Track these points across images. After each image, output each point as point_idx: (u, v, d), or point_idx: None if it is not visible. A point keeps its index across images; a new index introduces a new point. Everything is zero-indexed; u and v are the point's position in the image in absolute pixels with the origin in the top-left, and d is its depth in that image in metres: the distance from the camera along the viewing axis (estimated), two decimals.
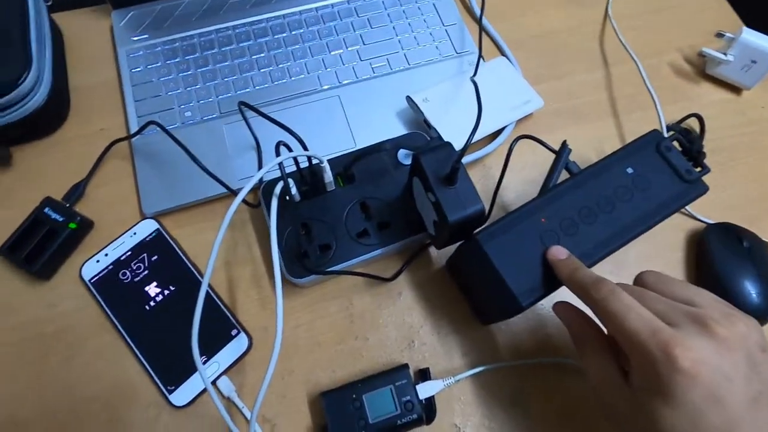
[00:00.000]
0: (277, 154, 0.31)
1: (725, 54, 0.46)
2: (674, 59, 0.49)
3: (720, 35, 0.47)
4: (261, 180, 0.40)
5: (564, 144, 0.35)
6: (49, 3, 0.45)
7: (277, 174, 0.33)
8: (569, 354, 0.36)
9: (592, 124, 0.45)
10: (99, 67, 0.46)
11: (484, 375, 0.36)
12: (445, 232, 0.31)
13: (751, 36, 0.45)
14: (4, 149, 0.40)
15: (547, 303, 0.37)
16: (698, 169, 0.35)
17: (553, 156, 0.36)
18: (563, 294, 0.30)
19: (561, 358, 0.36)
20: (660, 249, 0.40)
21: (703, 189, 0.34)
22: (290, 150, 0.32)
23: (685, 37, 0.50)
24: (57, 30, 0.46)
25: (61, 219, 0.37)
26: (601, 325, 0.28)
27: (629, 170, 0.34)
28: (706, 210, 0.41)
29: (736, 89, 0.48)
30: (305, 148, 0.32)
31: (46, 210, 0.38)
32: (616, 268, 0.39)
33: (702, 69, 0.48)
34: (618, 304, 0.25)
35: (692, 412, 0.22)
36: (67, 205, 0.39)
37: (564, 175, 0.35)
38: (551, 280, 0.30)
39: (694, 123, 0.44)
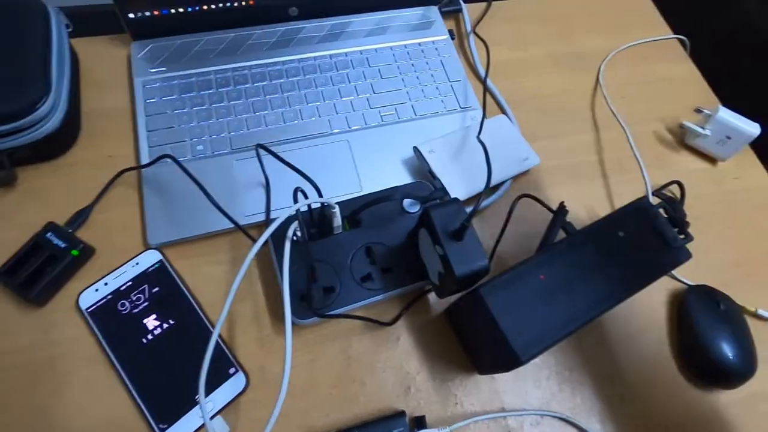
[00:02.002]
0: (295, 200, 0.32)
1: (703, 128, 0.50)
2: (658, 128, 0.53)
3: (699, 111, 0.51)
4: (269, 219, 0.41)
5: (562, 205, 0.37)
6: (70, 29, 0.46)
7: (287, 214, 0.34)
8: (567, 408, 0.37)
9: (583, 184, 0.48)
10: (113, 94, 0.47)
11: (479, 425, 0.36)
12: (451, 284, 0.32)
13: (726, 114, 0.49)
14: (10, 170, 0.40)
15: (544, 356, 0.38)
16: (682, 236, 0.37)
17: (549, 214, 0.39)
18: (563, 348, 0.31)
19: (557, 412, 0.37)
20: (643, 308, 0.43)
21: (687, 255, 0.36)
22: (306, 197, 0.33)
23: (668, 109, 0.54)
24: (74, 55, 0.47)
25: (63, 245, 0.37)
26: None
27: (621, 234, 0.36)
28: (685, 272, 0.44)
29: (712, 160, 0.52)
30: (320, 194, 0.34)
31: (48, 235, 0.37)
32: (599, 324, 0.41)
33: (682, 139, 0.53)
34: None
35: None
36: (70, 231, 0.38)
37: (560, 234, 0.37)
38: (550, 336, 0.31)
39: (674, 189, 0.47)
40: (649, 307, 0.43)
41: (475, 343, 0.37)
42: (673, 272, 0.44)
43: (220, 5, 0.48)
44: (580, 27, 0.60)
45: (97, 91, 0.46)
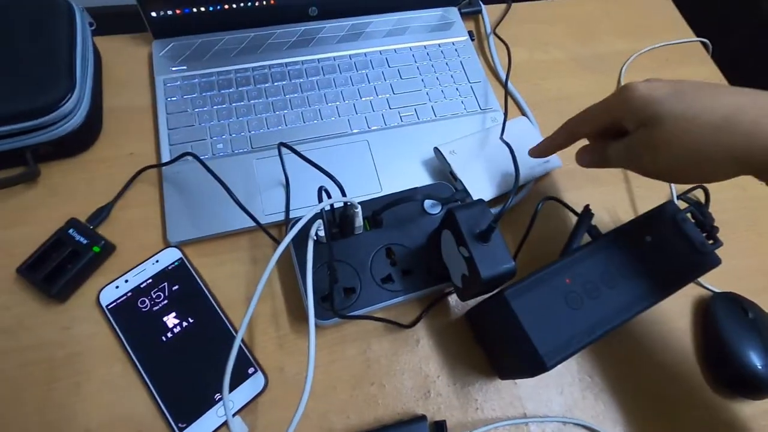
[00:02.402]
0: (320, 199, 0.32)
1: None
2: None
3: None
4: (288, 218, 0.41)
5: (587, 208, 0.37)
6: (93, 27, 0.46)
7: (311, 213, 0.34)
8: (589, 416, 0.37)
9: (605, 187, 0.48)
10: (134, 92, 0.47)
11: (500, 431, 0.36)
12: (475, 286, 0.32)
13: None
14: (34, 166, 0.40)
15: (567, 362, 0.38)
16: (711, 241, 0.37)
17: (572, 216, 0.38)
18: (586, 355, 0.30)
19: (580, 420, 0.36)
20: (667, 314, 0.42)
21: (717, 261, 0.35)
22: (330, 196, 0.33)
23: None
24: (97, 53, 0.47)
25: (85, 242, 0.37)
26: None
27: (648, 238, 0.35)
28: (712, 279, 0.43)
29: None
30: (344, 194, 0.33)
31: (71, 231, 0.38)
32: (623, 329, 0.40)
33: None
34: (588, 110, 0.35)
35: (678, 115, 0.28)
36: (92, 227, 0.39)
37: (585, 238, 0.36)
38: (576, 341, 0.31)
39: (698, 194, 0.46)
40: (673, 313, 0.42)
41: (498, 348, 0.36)
42: (699, 278, 0.43)
43: (241, 4, 0.48)
44: (601, 29, 0.59)
45: (119, 88, 0.47)
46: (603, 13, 0.60)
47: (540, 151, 0.38)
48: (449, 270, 0.36)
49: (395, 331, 0.38)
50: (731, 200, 0.49)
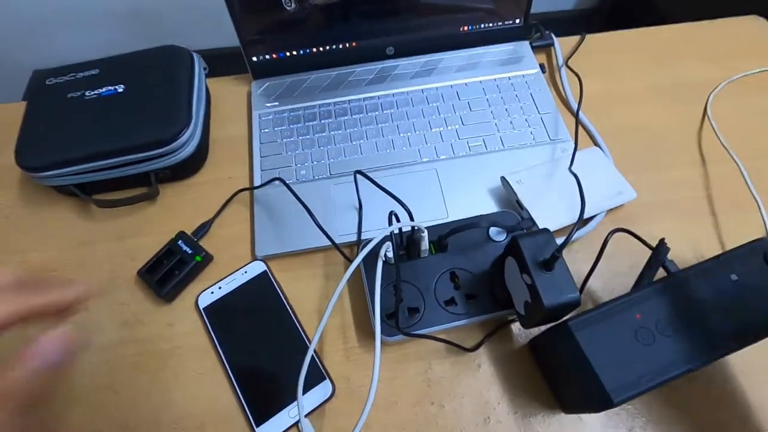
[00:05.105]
0: (390, 222, 0.35)
1: None
2: None
3: None
4: (360, 239, 0.44)
5: (662, 242, 0.35)
6: (206, 71, 0.55)
7: (381, 235, 0.37)
8: None
9: (687, 221, 0.45)
10: (235, 125, 0.54)
11: None
12: (538, 314, 0.32)
13: None
14: (155, 187, 0.48)
15: (640, 401, 0.36)
16: None
17: (647, 250, 0.37)
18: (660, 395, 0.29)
19: None
20: (756, 359, 0.38)
21: None
22: (398, 220, 0.35)
23: None
24: (208, 92, 0.55)
25: (190, 252, 0.43)
26: None
27: (733, 277, 0.33)
28: None
29: None
30: (411, 218, 0.36)
31: (179, 242, 0.44)
32: (708, 378, 0.37)
33: None
34: None
35: None
36: (195, 239, 0.45)
37: (660, 273, 0.35)
38: (647, 379, 0.29)
39: None
40: (763, 358, 0.38)
41: (562, 379, 0.36)
42: None
43: (328, 47, 0.54)
44: (684, 56, 0.57)
45: (224, 122, 0.54)
46: (685, 39, 0.58)
47: None
48: (512, 297, 0.37)
49: (457, 354, 0.39)
50: None
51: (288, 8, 0.50)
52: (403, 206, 0.37)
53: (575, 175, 0.40)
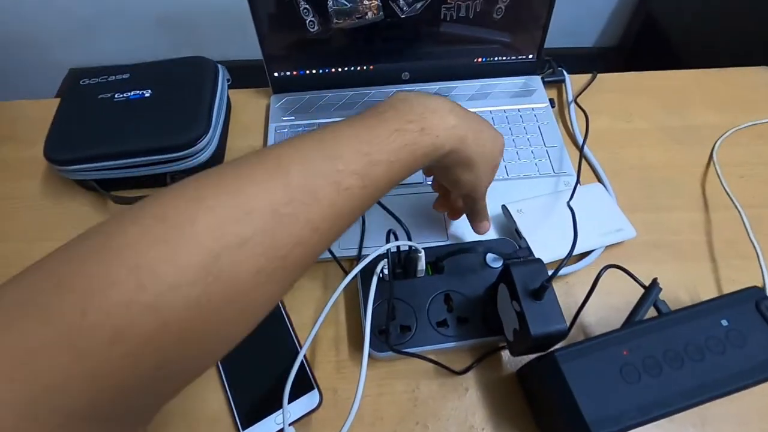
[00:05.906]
0: (387, 240, 0.36)
1: None
2: None
3: None
4: (360, 254, 0.45)
5: (654, 282, 0.36)
6: (230, 83, 0.58)
7: (378, 252, 0.38)
8: None
9: (685, 264, 0.45)
10: (252, 135, 0.57)
11: None
12: (525, 342, 0.33)
13: None
14: None
15: None
16: None
17: (640, 289, 0.37)
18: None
19: None
20: (748, 412, 0.38)
21: None
22: (397, 238, 0.37)
23: None
24: (229, 103, 0.58)
25: None
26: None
27: (724, 322, 0.33)
28: None
29: None
30: (409, 238, 0.37)
31: None
32: (700, 421, 0.37)
33: None
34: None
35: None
36: None
37: (651, 312, 0.35)
38: (629, 417, 0.30)
39: None
40: (756, 412, 0.38)
41: (545, 410, 0.36)
42: None
43: (346, 68, 0.57)
44: (695, 102, 0.58)
45: (241, 131, 0.57)
46: (697, 85, 0.59)
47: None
48: (503, 324, 0.37)
49: (445, 376, 0.40)
50: None
51: (311, 30, 0.52)
52: (402, 225, 0.38)
53: (572, 209, 0.41)
